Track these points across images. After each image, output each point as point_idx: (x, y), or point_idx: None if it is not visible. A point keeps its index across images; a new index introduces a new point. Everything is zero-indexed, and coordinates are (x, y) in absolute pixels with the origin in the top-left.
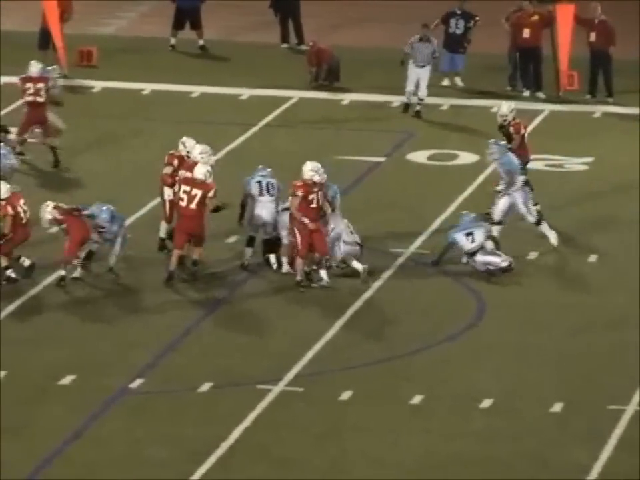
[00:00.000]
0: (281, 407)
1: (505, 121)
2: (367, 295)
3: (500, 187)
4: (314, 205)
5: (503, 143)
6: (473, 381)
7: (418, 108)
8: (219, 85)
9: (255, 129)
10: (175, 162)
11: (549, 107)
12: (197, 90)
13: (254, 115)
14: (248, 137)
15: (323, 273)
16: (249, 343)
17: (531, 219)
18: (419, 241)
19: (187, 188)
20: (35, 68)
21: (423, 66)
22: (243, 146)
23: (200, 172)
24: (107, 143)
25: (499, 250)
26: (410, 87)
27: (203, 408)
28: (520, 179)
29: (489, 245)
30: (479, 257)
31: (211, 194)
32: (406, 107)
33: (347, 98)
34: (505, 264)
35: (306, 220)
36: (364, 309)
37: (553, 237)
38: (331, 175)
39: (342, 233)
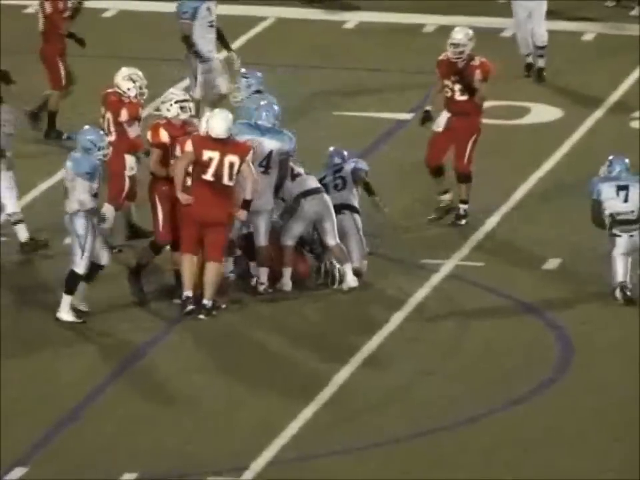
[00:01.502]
0: None
1: (461, 54)
2: (384, 332)
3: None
4: (208, 177)
5: (259, 74)
6: (556, 468)
7: (540, 63)
8: None
9: None
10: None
11: None
12: (113, 6)
13: None
14: None
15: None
16: (197, 411)
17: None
18: (466, 247)
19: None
20: None
21: None
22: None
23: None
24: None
25: None
26: (523, 33)
27: None
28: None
29: None
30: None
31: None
32: (528, 67)
33: (353, 19)
34: None
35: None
36: (378, 353)
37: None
38: (330, 140)
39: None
